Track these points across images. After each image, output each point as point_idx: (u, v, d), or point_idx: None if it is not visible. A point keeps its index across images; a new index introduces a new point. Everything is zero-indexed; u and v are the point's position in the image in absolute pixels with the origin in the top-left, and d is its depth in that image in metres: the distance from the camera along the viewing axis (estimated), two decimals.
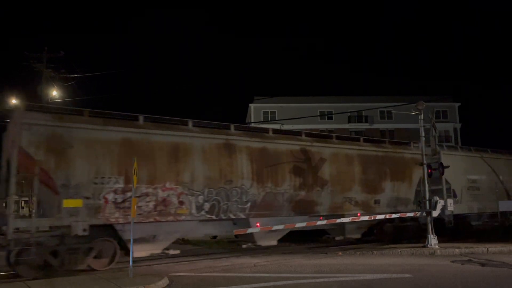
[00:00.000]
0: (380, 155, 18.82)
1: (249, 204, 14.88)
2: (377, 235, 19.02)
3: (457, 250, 15.32)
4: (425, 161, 17.19)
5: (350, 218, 16.79)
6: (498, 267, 11.97)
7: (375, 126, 56.07)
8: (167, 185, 13.32)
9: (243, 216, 14.76)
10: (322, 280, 10.33)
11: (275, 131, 16.76)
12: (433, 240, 16.20)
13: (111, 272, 11.47)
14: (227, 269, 12.38)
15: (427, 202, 16.89)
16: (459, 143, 53.41)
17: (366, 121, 56.56)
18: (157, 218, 13.07)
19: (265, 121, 51.51)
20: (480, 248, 15.44)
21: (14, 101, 24.05)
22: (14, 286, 9.65)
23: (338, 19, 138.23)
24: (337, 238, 18.46)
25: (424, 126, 17.73)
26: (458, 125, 57.91)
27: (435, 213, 16.84)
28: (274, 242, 16.04)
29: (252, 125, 42.69)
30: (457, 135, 57.32)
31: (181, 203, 13.51)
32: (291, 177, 15.95)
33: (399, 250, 15.64)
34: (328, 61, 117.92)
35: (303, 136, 17.01)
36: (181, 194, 13.55)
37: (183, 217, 13.56)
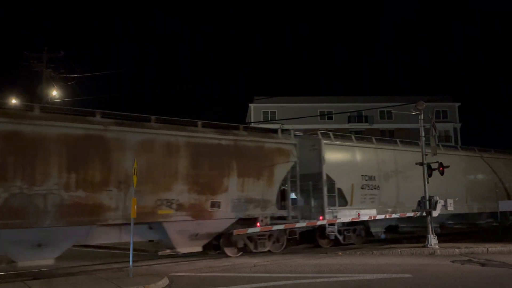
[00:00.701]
0: (225, 144, 14.76)
1: None
2: (222, 247, 15.04)
3: (457, 250, 15.33)
4: (425, 161, 17.17)
5: (350, 218, 16.79)
6: (498, 267, 11.98)
7: (375, 126, 56.12)
8: None
9: None
10: (322, 280, 10.34)
11: (44, 109, 12.33)
12: (433, 240, 16.21)
13: (111, 272, 11.47)
14: (227, 269, 12.37)
15: (427, 202, 16.87)
16: (459, 143, 53.46)
17: (366, 121, 56.62)
18: None
19: (265, 121, 51.53)
20: (480, 248, 15.44)
21: (14, 101, 24.04)
22: (14, 286, 9.66)
23: (338, 19, 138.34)
24: (160, 253, 14.03)
25: (424, 126, 17.72)
26: (458, 125, 57.98)
27: (435, 213, 16.83)
28: (50, 262, 12.17)
29: (252, 125, 42.56)
30: (457, 135, 57.39)
31: None
32: (62, 172, 11.75)
33: (399, 250, 15.64)
34: (328, 61, 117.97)
35: (97, 117, 12.71)
36: None
37: None
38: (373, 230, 18.61)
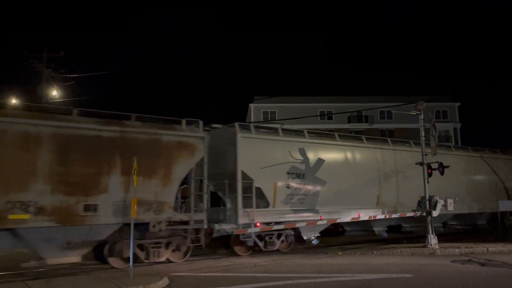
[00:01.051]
0: (107, 136, 12.55)
1: None
2: (106, 257, 12.78)
3: (457, 250, 15.33)
4: (425, 161, 17.16)
5: (350, 217, 16.76)
6: (498, 267, 11.99)
7: (375, 126, 56.15)
8: None
9: None
10: (322, 280, 10.33)
11: None
12: (433, 240, 16.21)
13: (111, 272, 11.47)
14: (227, 269, 12.37)
15: (427, 202, 16.86)
16: (459, 143, 53.48)
17: (366, 121, 56.64)
18: None
19: (265, 121, 51.51)
20: (480, 248, 15.45)
21: (14, 101, 24.04)
22: (14, 286, 9.66)
23: (338, 19, 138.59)
24: (23, 265, 12.10)
25: (424, 126, 17.73)
26: (458, 125, 58.02)
27: (435, 213, 16.82)
28: None
29: (252, 125, 42.44)
30: (457, 135, 57.42)
31: None
32: None
33: (399, 250, 15.64)
34: (328, 61, 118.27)
35: None
36: None
37: None
38: (305, 235, 16.50)
